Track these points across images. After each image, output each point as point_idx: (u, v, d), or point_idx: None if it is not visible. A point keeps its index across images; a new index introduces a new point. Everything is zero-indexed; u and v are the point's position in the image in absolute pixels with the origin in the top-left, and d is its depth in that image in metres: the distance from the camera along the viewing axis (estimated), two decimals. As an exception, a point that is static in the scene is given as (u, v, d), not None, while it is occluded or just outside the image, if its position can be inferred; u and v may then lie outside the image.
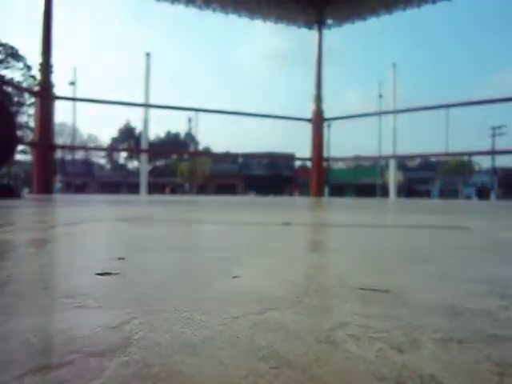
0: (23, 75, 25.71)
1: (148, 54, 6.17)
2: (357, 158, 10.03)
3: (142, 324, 0.30)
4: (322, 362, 0.24)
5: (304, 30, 5.56)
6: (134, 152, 33.43)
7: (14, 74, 25.54)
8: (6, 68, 25.08)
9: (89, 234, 0.89)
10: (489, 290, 0.41)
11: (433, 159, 31.44)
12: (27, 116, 25.92)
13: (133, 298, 0.37)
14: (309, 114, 5.09)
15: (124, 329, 0.29)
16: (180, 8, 5.10)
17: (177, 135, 42.87)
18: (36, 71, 4.20)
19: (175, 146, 39.56)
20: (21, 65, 25.68)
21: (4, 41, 24.74)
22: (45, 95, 3.93)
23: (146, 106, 5.64)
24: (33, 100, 16.38)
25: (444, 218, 1.60)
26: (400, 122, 5.78)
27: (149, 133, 5.83)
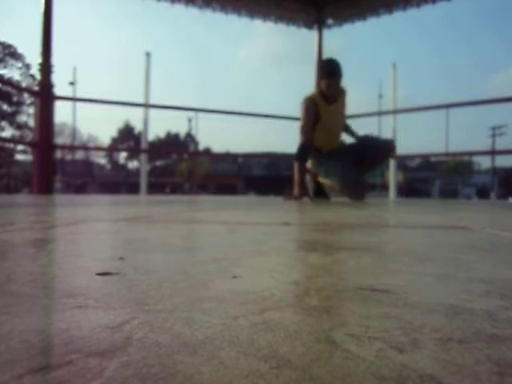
0: (22, 74, 25.70)
1: (148, 54, 6.16)
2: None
3: (141, 324, 0.30)
4: (322, 361, 0.24)
5: (304, 30, 5.56)
6: (134, 152, 33.46)
7: (13, 73, 25.52)
8: (5, 67, 25.05)
9: (89, 233, 0.89)
10: (489, 290, 0.41)
11: (433, 159, 31.47)
12: (27, 116, 25.89)
13: (133, 297, 0.37)
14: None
15: (124, 329, 0.29)
16: (180, 8, 5.09)
17: (177, 135, 42.89)
18: (35, 70, 4.22)
19: (175, 146, 39.63)
20: (19, 64, 25.66)
21: (2, 39, 24.70)
22: (45, 95, 3.93)
23: (146, 106, 5.64)
24: (32, 99, 16.37)
25: (444, 217, 1.60)
26: (400, 121, 5.78)
27: (149, 133, 5.83)
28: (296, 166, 3.16)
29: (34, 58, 4.30)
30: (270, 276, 0.47)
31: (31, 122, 23.10)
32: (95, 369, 0.22)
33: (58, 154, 26.86)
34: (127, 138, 41.12)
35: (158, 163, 39.63)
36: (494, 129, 33.25)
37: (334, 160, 3.22)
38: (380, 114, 6.74)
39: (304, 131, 3.17)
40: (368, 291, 0.40)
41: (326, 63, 3.24)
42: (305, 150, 3.17)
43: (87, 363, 0.23)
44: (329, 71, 3.18)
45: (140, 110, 5.65)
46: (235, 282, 0.43)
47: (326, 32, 5.50)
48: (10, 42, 26.01)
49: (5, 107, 25.55)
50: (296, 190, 3.13)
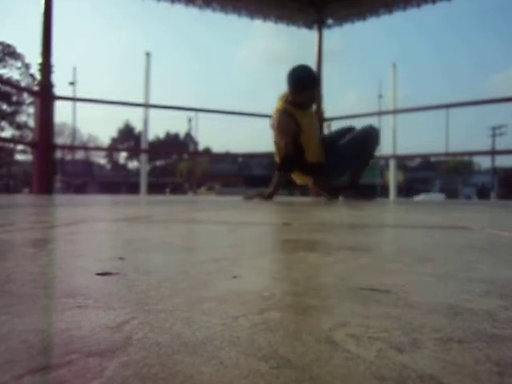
0: (21, 74, 25.69)
1: (148, 54, 6.17)
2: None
3: (141, 324, 0.30)
4: (322, 361, 0.24)
5: (304, 30, 5.56)
6: (134, 152, 33.47)
7: (12, 72, 25.50)
8: (4, 67, 25.01)
9: (89, 233, 0.89)
10: (489, 290, 0.41)
11: (433, 159, 31.47)
12: (27, 115, 25.88)
13: (133, 297, 0.37)
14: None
15: (124, 329, 0.29)
16: (180, 8, 5.09)
17: (177, 135, 42.92)
18: (35, 70, 4.21)
19: (175, 146, 39.64)
20: (19, 63, 25.64)
21: (2, 39, 24.69)
22: (45, 95, 3.93)
23: (146, 106, 5.64)
24: (32, 99, 16.36)
25: (444, 217, 1.60)
26: (400, 122, 5.78)
27: (149, 133, 5.84)
28: (278, 173, 3.04)
29: (34, 58, 4.30)
30: (270, 276, 0.47)
31: (31, 122, 23.10)
32: (95, 369, 0.22)
33: (58, 154, 26.89)
34: (127, 137, 41.13)
35: (158, 163, 39.66)
36: (494, 129, 33.25)
37: (338, 168, 3.19)
38: (380, 114, 6.74)
39: (287, 150, 2.99)
40: (368, 291, 0.40)
41: (305, 72, 3.01)
42: (291, 161, 3.04)
43: (87, 363, 0.23)
44: (314, 79, 3.04)
45: (140, 110, 5.67)
46: (235, 282, 0.43)
47: (326, 32, 5.50)
48: (9, 41, 26.03)
49: (4, 107, 25.54)
50: (269, 190, 3.03)
